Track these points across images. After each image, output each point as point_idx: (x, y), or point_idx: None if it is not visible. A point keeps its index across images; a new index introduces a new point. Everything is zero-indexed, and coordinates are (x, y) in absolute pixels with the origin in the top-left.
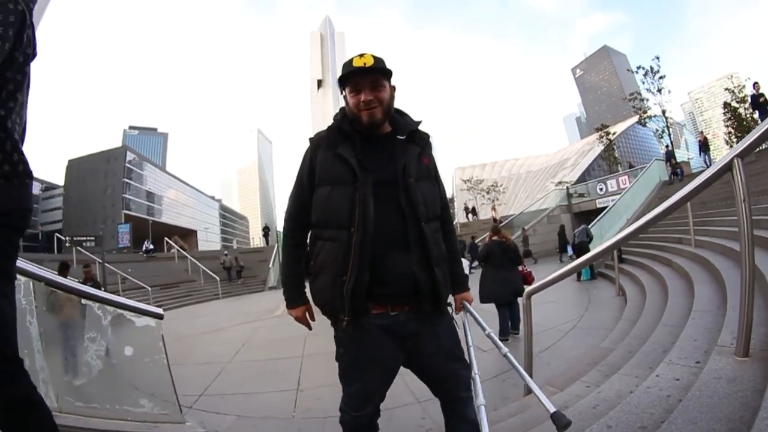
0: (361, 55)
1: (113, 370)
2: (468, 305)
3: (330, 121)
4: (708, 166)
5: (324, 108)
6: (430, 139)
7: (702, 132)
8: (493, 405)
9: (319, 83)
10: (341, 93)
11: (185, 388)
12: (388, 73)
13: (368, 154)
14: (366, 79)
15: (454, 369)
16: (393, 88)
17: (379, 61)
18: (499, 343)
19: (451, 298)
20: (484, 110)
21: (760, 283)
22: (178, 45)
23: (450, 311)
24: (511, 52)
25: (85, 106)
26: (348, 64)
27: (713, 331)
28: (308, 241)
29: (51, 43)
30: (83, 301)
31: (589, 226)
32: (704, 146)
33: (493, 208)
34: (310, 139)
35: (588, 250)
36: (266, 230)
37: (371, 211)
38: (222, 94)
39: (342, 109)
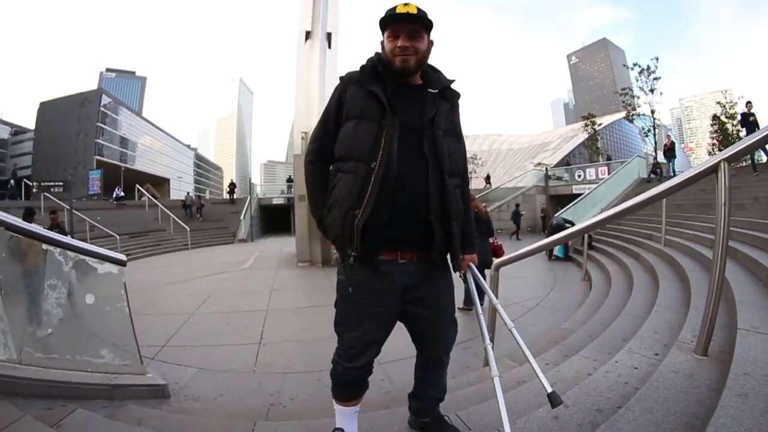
0: (406, 4)
1: (74, 320)
2: (474, 267)
3: (315, 76)
4: (671, 173)
5: (310, 61)
6: (460, 99)
7: (669, 136)
8: (453, 372)
9: (307, 35)
10: (381, 37)
11: (148, 339)
12: (428, 25)
13: (398, 98)
14: (405, 26)
15: (446, 330)
16: (431, 42)
17: (421, 12)
18: (506, 317)
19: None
20: (474, 83)
21: (725, 290)
22: None
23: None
24: (508, 30)
25: (61, 46)
26: (390, 10)
27: (674, 327)
28: (331, 172)
29: None
30: (44, 246)
31: (564, 209)
32: (670, 151)
33: (487, 179)
34: (341, 78)
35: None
36: (232, 187)
37: (395, 151)
38: (206, 40)
39: (377, 53)
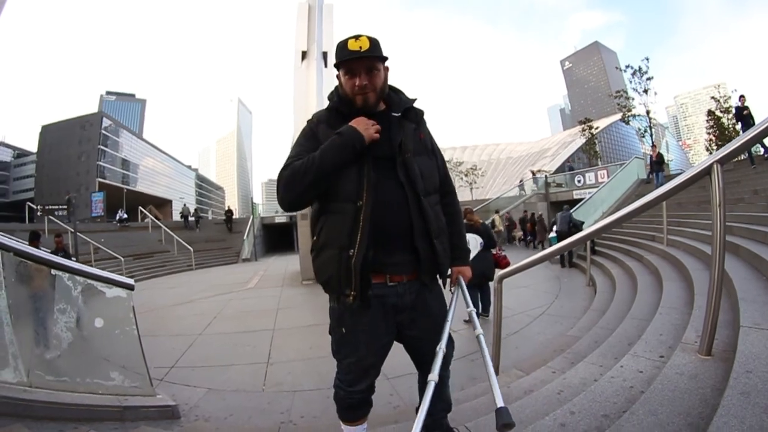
0: (357, 38)
1: (83, 343)
2: (461, 280)
3: (313, 94)
4: (659, 184)
5: (307, 80)
6: (425, 116)
7: (654, 146)
8: (461, 384)
9: (304, 54)
10: (337, 73)
11: (157, 360)
12: (383, 57)
13: None
14: (361, 63)
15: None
16: (387, 69)
17: (374, 45)
18: (477, 322)
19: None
20: (469, 93)
21: (727, 287)
22: (160, 9)
23: (440, 284)
24: (500, 38)
25: (61, 71)
26: (343, 47)
27: (679, 328)
28: (311, 216)
29: (27, 2)
30: (53, 271)
31: (571, 211)
32: (657, 164)
33: (535, 172)
34: (309, 120)
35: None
36: (229, 214)
37: (375, 186)
38: (203, 61)
39: (336, 89)
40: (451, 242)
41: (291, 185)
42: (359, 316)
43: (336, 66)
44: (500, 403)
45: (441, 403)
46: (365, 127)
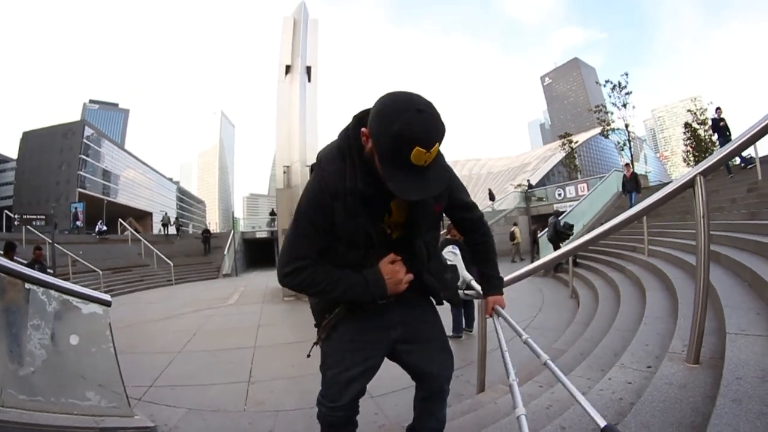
0: (428, 147)
1: (58, 361)
2: (501, 310)
3: (296, 109)
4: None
5: (290, 94)
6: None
7: (628, 165)
8: (447, 401)
9: (288, 69)
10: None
11: (135, 379)
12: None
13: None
14: None
15: (443, 358)
16: None
17: (440, 154)
18: (539, 350)
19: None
20: (451, 109)
21: (711, 294)
22: (147, 19)
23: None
24: (481, 55)
25: (45, 76)
26: (403, 146)
27: (665, 337)
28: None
29: (9, 4)
30: (27, 285)
31: (560, 218)
32: (633, 182)
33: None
34: (323, 191)
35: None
36: (206, 235)
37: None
38: (188, 74)
39: (358, 146)
40: (483, 273)
41: (298, 289)
42: (347, 328)
43: (378, 153)
44: (602, 422)
45: (434, 421)
46: (396, 281)
